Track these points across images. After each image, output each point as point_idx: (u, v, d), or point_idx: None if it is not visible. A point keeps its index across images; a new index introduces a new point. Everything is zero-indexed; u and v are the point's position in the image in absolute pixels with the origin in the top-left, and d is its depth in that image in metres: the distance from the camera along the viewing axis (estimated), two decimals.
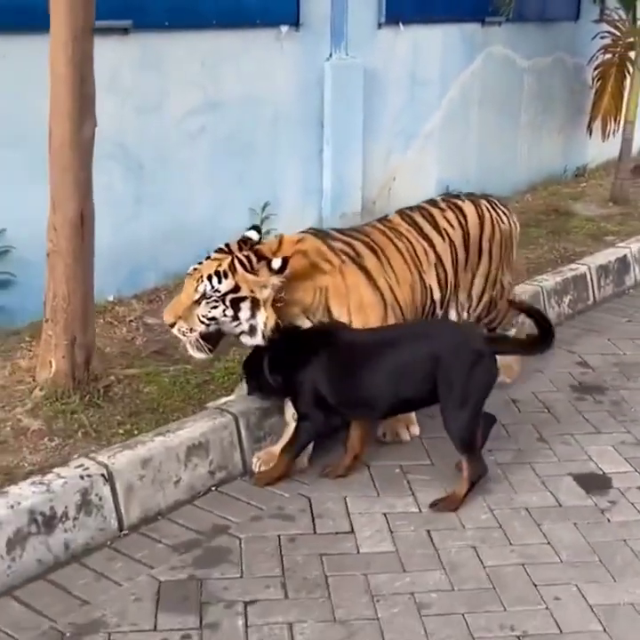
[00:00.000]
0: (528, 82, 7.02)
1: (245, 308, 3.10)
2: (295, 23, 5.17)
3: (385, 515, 3.01)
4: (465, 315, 3.69)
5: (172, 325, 3.12)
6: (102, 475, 2.86)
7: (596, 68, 7.35)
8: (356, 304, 3.23)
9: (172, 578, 2.69)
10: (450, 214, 3.62)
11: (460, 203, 3.69)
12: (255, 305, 3.10)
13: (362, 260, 3.32)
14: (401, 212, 3.65)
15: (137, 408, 3.39)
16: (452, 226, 3.59)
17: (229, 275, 3.07)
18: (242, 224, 4.39)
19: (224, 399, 3.42)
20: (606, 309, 5.06)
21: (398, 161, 6.04)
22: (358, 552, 2.82)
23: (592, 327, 4.78)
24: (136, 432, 3.20)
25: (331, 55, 5.42)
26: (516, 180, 6.99)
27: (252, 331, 3.13)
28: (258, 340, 3.14)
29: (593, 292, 5.09)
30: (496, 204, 3.76)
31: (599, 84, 7.38)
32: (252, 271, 3.09)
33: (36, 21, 3.38)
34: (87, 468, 2.86)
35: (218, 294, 3.06)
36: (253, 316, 3.11)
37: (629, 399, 3.90)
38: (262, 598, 2.59)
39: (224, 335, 3.21)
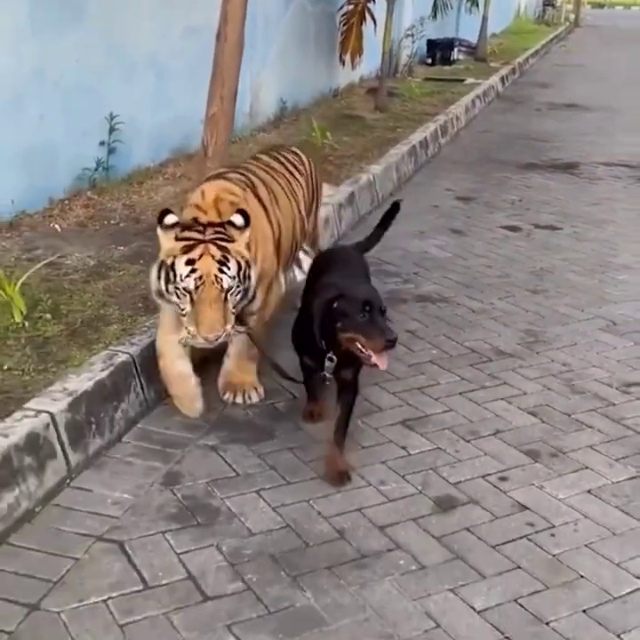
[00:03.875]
0: (312, 24, 9.91)
1: (252, 275, 3.20)
2: None
3: None
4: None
5: (219, 337, 3.06)
6: None
7: (343, 16, 10.48)
8: (260, 235, 3.39)
9: None
10: (293, 157, 4.16)
11: (293, 149, 4.30)
12: (249, 267, 3.19)
13: (257, 190, 3.54)
14: (266, 153, 4.13)
15: None
16: (297, 167, 4.11)
17: (229, 257, 3.07)
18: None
19: None
20: (428, 168, 8.28)
21: (261, 78, 8.55)
22: None
23: (436, 172, 7.95)
24: None
25: None
26: (310, 96, 9.89)
27: (246, 294, 3.20)
28: (257, 302, 3.35)
29: (419, 156, 8.26)
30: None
31: (345, 27, 10.52)
32: (232, 240, 3.12)
33: None
34: None
35: (236, 280, 3.09)
36: (251, 277, 3.20)
37: (489, 203, 7.12)
38: None
39: None
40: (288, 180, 3.93)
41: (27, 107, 5.25)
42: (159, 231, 3.15)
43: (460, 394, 3.79)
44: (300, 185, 4.02)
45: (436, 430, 3.48)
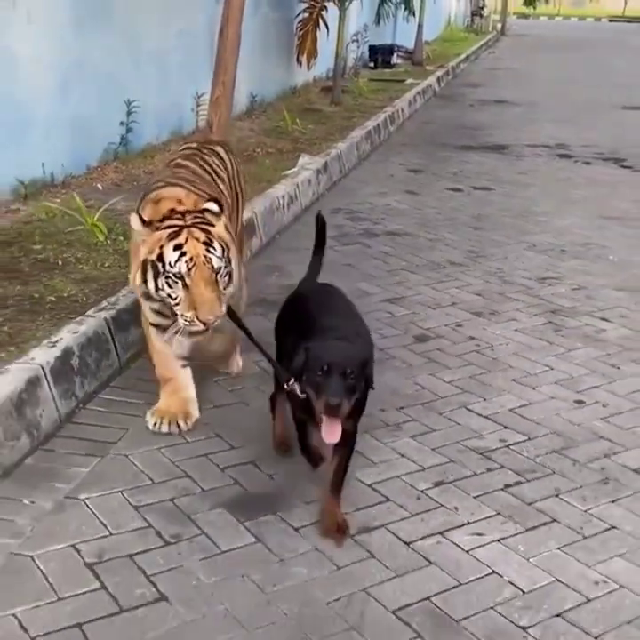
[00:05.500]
0: (273, 29, 11.53)
1: (232, 258, 3.24)
2: None
3: None
4: None
5: (217, 319, 3.10)
6: None
7: (299, 22, 12.14)
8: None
9: None
10: (215, 160, 3.94)
11: (215, 147, 4.07)
12: (229, 249, 3.24)
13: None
14: (187, 158, 3.83)
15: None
16: (220, 168, 3.92)
17: (213, 239, 3.13)
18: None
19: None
20: (382, 149, 9.94)
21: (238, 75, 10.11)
22: None
23: (389, 152, 9.62)
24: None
25: None
26: (274, 92, 11.51)
27: (230, 277, 3.24)
28: (233, 287, 3.29)
29: (374, 139, 9.93)
30: (230, 148, 4.28)
31: (301, 32, 12.18)
32: (212, 225, 3.18)
33: None
34: None
35: (222, 261, 3.15)
36: (232, 260, 3.24)
37: (435, 173, 8.80)
38: None
39: None
40: (219, 189, 3.80)
41: (70, 90, 6.72)
42: (142, 230, 3.14)
43: (425, 285, 5.41)
44: (223, 189, 3.85)
45: (410, 304, 5.09)
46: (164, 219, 3.15)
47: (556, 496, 3.18)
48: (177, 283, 3.08)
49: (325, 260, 5.64)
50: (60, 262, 4.87)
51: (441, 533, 2.94)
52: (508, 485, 3.24)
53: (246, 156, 7.91)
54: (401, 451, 3.47)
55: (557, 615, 2.57)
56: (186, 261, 3.05)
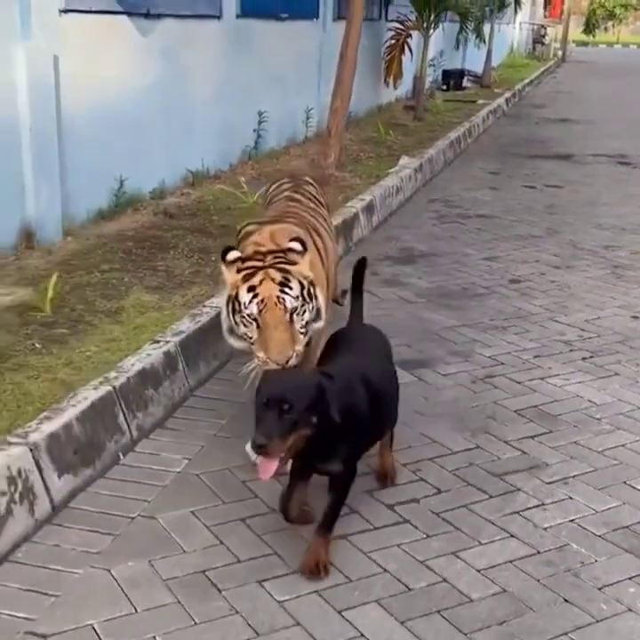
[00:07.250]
0: (365, 55, 13.18)
1: (318, 294, 3.23)
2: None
3: None
4: None
5: (289, 358, 3.03)
6: None
7: (386, 48, 13.80)
8: (319, 282, 3.33)
9: None
10: (316, 191, 4.16)
11: (309, 180, 4.32)
12: (313, 286, 3.22)
13: (313, 236, 3.55)
14: (295, 191, 4.04)
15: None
16: (322, 201, 4.12)
17: (290, 278, 3.12)
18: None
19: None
20: (462, 157, 11.50)
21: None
22: None
23: (469, 159, 11.17)
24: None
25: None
26: (364, 109, 13.16)
27: (318, 313, 3.23)
28: (322, 321, 3.26)
29: (456, 148, 11.48)
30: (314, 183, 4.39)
31: (388, 57, 13.85)
32: (294, 264, 3.17)
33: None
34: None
35: (300, 300, 3.12)
36: (317, 297, 3.23)
37: (511, 175, 10.32)
38: None
39: None
40: (324, 219, 4.02)
41: (220, 102, 8.40)
42: (223, 267, 3.21)
43: (513, 250, 6.93)
44: (327, 221, 4.06)
45: (503, 261, 6.60)
46: (246, 259, 3.20)
47: (618, 363, 4.67)
48: (251, 324, 3.12)
49: (431, 233, 7.31)
50: (237, 227, 6.48)
51: (541, 379, 4.45)
52: (584, 358, 4.74)
53: (352, 159, 9.50)
54: (507, 340, 4.98)
55: (620, 414, 4.06)
56: (257, 303, 3.08)
